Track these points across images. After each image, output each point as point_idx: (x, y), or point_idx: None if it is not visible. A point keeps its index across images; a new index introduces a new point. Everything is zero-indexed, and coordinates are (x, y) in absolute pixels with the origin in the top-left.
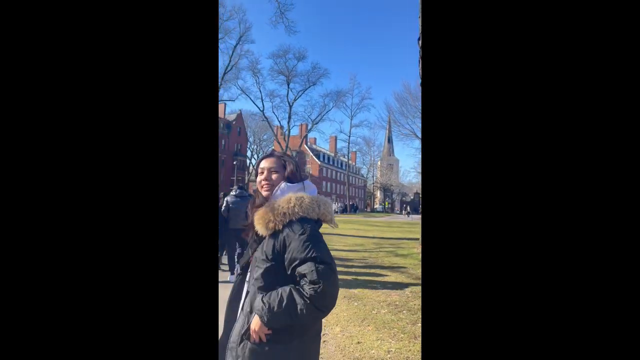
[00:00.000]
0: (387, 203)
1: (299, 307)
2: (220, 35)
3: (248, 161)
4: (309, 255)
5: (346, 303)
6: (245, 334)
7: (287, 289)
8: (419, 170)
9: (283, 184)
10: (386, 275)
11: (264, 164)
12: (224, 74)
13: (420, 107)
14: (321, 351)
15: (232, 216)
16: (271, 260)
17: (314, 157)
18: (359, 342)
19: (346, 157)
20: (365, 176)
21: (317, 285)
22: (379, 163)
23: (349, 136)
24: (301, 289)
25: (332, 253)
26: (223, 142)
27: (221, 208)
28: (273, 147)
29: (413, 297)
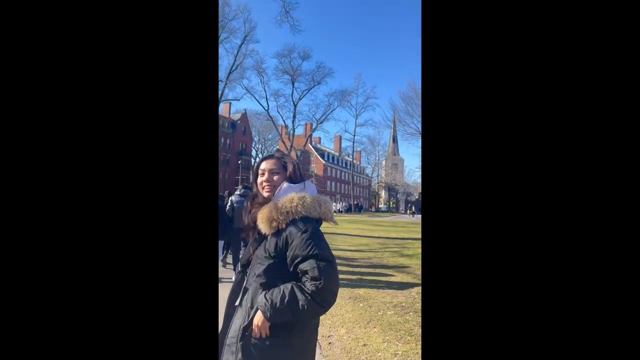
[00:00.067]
0: (391, 203)
1: (300, 302)
2: (225, 35)
3: (253, 160)
4: (311, 252)
5: (351, 304)
6: (247, 330)
7: (289, 285)
8: None
9: (285, 184)
10: (392, 276)
11: (265, 165)
12: (229, 73)
13: None
14: (327, 353)
15: (236, 216)
16: (273, 257)
17: (318, 156)
18: (365, 345)
19: (351, 156)
20: (369, 176)
21: (318, 282)
22: (383, 162)
23: (354, 135)
24: (302, 286)
25: (337, 253)
26: (228, 142)
27: (225, 207)
28: (278, 147)
29: (419, 298)
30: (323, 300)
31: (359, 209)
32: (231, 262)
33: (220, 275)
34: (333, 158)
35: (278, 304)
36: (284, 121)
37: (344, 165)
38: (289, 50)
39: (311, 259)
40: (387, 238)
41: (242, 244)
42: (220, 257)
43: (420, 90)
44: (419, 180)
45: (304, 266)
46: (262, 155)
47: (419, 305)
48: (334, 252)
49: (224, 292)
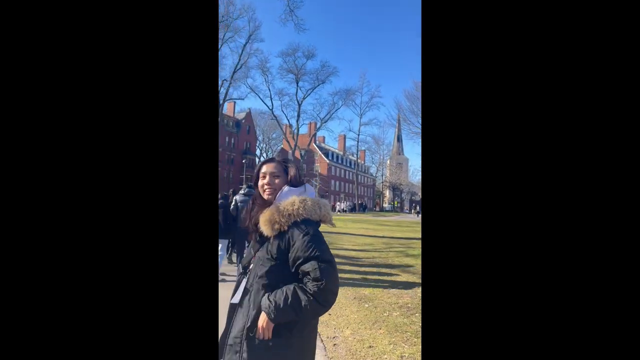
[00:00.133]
0: (396, 202)
1: (303, 303)
2: (229, 34)
3: (257, 159)
4: (312, 254)
5: (357, 305)
6: (251, 330)
7: (291, 287)
8: None
9: (286, 188)
10: (397, 275)
11: (266, 168)
12: (234, 72)
13: None
14: (332, 355)
15: (241, 215)
16: (275, 259)
17: (322, 155)
18: (370, 346)
19: (355, 155)
20: (374, 175)
21: (320, 283)
22: (388, 162)
23: (358, 135)
24: (304, 287)
25: (342, 252)
26: (232, 141)
27: (230, 206)
28: (282, 146)
29: None
30: (324, 300)
31: (363, 208)
32: (235, 260)
33: (225, 271)
34: (337, 157)
35: (282, 305)
36: (288, 120)
37: (348, 165)
38: (293, 49)
39: (313, 261)
40: (392, 238)
41: (246, 243)
42: (226, 255)
43: None
44: None
45: (305, 267)
46: (267, 154)
47: None
48: (338, 252)
49: (227, 291)
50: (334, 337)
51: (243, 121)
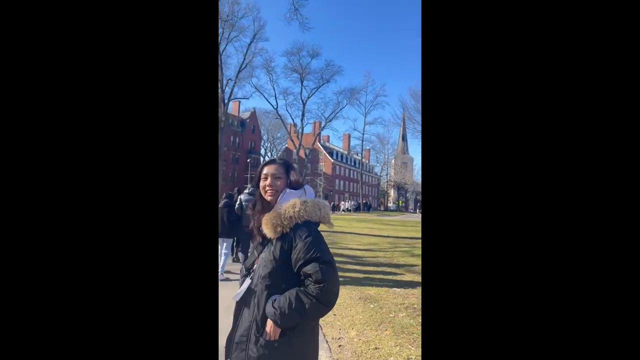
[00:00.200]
0: (400, 202)
1: (306, 306)
2: (234, 34)
3: (262, 159)
4: (314, 256)
5: (362, 305)
6: (258, 331)
7: (293, 292)
8: None
9: (287, 190)
10: (402, 275)
11: (267, 170)
12: (238, 72)
13: None
14: (337, 357)
15: (245, 214)
16: (278, 260)
17: (327, 154)
18: (376, 348)
19: (360, 155)
20: (378, 174)
21: (321, 284)
22: (392, 161)
23: (363, 134)
24: (306, 290)
25: (346, 252)
26: (237, 140)
27: (235, 205)
28: (287, 145)
29: None
30: (327, 300)
31: (367, 207)
32: (240, 259)
33: (230, 270)
34: (342, 156)
35: (287, 311)
36: (292, 119)
37: (352, 164)
38: (298, 48)
39: (314, 262)
40: (397, 237)
41: (250, 243)
42: (231, 254)
43: None
44: None
45: (307, 269)
46: (271, 153)
47: None
48: (343, 251)
49: (233, 290)
50: (339, 339)
51: (248, 120)
